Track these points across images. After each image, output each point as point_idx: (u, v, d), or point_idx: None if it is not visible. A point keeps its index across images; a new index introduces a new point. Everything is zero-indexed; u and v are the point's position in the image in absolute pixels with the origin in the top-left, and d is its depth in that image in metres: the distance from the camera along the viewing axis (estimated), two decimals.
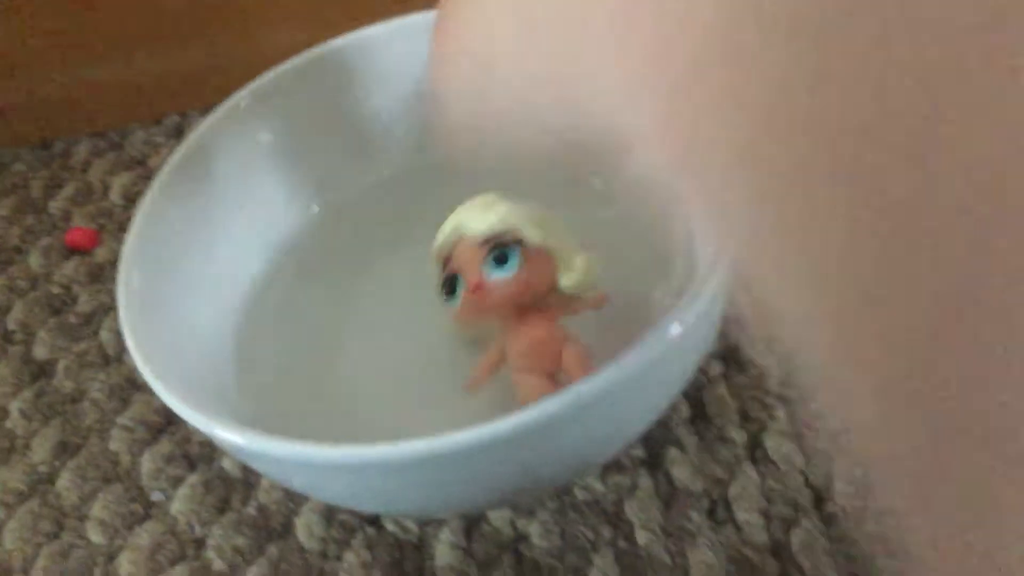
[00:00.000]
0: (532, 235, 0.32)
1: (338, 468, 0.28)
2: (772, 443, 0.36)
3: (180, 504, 0.39)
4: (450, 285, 0.33)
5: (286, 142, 0.42)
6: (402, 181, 0.43)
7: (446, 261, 0.34)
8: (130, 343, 0.32)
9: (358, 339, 0.39)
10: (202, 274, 0.38)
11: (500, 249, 0.32)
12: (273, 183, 0.42)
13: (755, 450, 0.36)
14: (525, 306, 0.33)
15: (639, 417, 0.31)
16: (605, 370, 0.27)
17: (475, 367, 0.35)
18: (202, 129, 0.39)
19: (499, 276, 0.32)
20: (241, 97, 0.40)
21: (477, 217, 0.33)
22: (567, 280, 0.33)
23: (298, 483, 0.32)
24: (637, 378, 0.27)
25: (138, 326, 0.32)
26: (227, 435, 0.29)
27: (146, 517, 0.40)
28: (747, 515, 0.34)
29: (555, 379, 0.33)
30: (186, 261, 0.37)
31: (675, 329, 0.28)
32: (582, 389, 0.27)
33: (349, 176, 0.43)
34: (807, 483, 0.35)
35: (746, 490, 0.35)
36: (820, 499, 0.34)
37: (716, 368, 0.39)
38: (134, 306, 0.33)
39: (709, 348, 0.35)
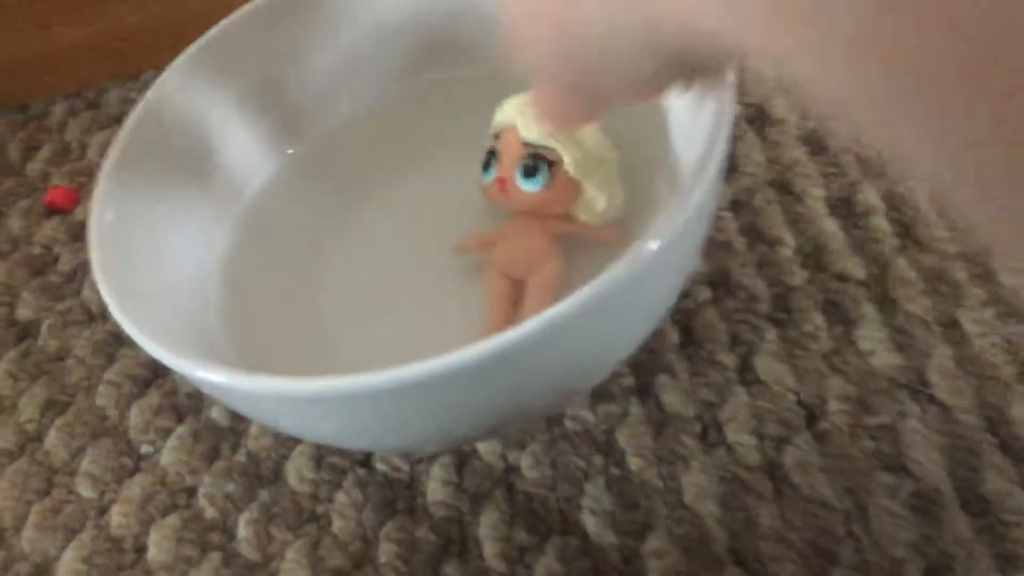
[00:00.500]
0: (569, 164, 0.34)
1: (321, 401, 0.28)
2: (762, 364, 0.36)
3: (169, 455, 0.39)
4: (488, 160, 0.35)
5: (254, 86, 0.41)
6: (377, 117, 0.43)
7: (496, 136, 0.35)
8: (104, 290, 0.31)
9: (341, 277, 0.39)
10: (179, 221, 0.38)
11: (534, 161, 0.34)
12: (245, 128, 0.41)
13: (745, 372, 0.36)
14: (535, 214, 0.35)
15: (622, 339, 0.31)
16: (580, 291, 0.26)
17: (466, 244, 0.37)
18: (165, 78, 0.38)
19: (522, 185, 0.34)
20: (203, 44, 0.39)
21: (533, 120, 0.34)
22: (584, 215, 0.35)
23: (285, 423, 0.31)
24: (616, 295, 0.27)
25: (112, 274, 0.32)
26: (212, 376, 0.28)
27: (136, 470, 0.39)
28: (739, 436, 0.34)
29: (520, 287, 0.35)
30: (161, 209, 0.37)
31: (651, 247, 0.27)
32: (559, 309, 0.26)
33: (322, 116, 0.42)
34: (799, 402, 0.34)
35: (737, 412, 0.35)
36: (812, 417, 0.34)
37: (705, 293, 0.38)
38: (108, 253, 0.32)
39: (690, 269, 0.34)
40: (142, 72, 0.58)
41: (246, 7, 0.40)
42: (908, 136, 0.15)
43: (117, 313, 0.31)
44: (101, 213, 0.33)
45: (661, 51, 0.22)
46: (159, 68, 0.58)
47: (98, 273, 0.31)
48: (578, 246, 0.35)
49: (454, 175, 0.39)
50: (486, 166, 0.35)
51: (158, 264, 0.36)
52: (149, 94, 0.37)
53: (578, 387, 0.33)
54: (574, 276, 0.35)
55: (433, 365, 0.26)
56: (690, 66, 0.25)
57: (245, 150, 0.41)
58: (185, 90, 0.39)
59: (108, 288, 0.31)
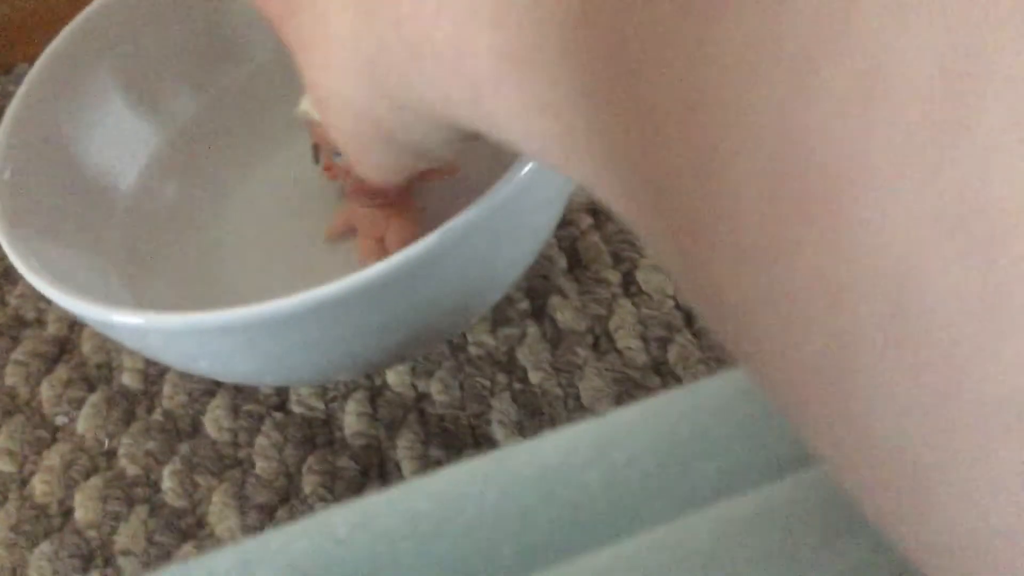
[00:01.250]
0: None
1: (238, 330, 0.29)
2: (644, 277, 0.39)
3: (85, 423, 0.40)
4: (315, 152, 0.37)
5: (161, 36, 0.42)
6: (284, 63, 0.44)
7: (310, 126, 0.36)
8: (13, 253, 0.32)
9: (244, 224, 0.40)
10: (80, 171, 0.38)
11: None
12: (152, 79, 0.42)
13: (629, 286, 0.39)
14: None
15: (509, 258, 0.33)
16: (468, 209, 0.29)
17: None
18: (67, 33, 0.39)
19: (338, 159, 0.35)
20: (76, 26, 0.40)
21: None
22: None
23: (203, 363, 0.33)
24: (501, 210, 0.29)
25: (19, 237, 0.33)
26: (132, 320, 0.30)
27: (53, 440, 0.40)
28: (627, 342, 0.37)
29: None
30: (61, 158, 0.37)
31: (521, 175, 0.29)
32: (450, 227, 0.28)
33: (227, 67, 0.43)
34: (677, 306, 0.38)
35: (624, 321, 0.38)
36: (690, 318, 0.37)
37: (587, 220, 0.41)
38: (10, 214, 0.33)
39: (568, 190, 0.37)
40: (14, 66, 0.58)
41: None
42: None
43: (29, 275, 0.31)
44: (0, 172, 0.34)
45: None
46: (31, 61, 0.58)
47: (4, 237, 0.32)
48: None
49: None
50: (316, 158, 0.38)
51: (61, 222, 0.36)
52: (51, 49, 0.38)
53: (474, 307, 0.35)
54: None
55: (340, 285, 0.28)
56: None
57: (150, 100, 0.42)
58: (89, 44, 0.39)
59: (16, 250, 0.32)
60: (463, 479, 0.17)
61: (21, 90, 0.37)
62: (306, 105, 0.35)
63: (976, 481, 0.09)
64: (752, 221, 0.11)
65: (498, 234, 0.31)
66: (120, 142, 0.41)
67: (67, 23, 0.41)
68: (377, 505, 0.16)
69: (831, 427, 0.11)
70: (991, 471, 0.09)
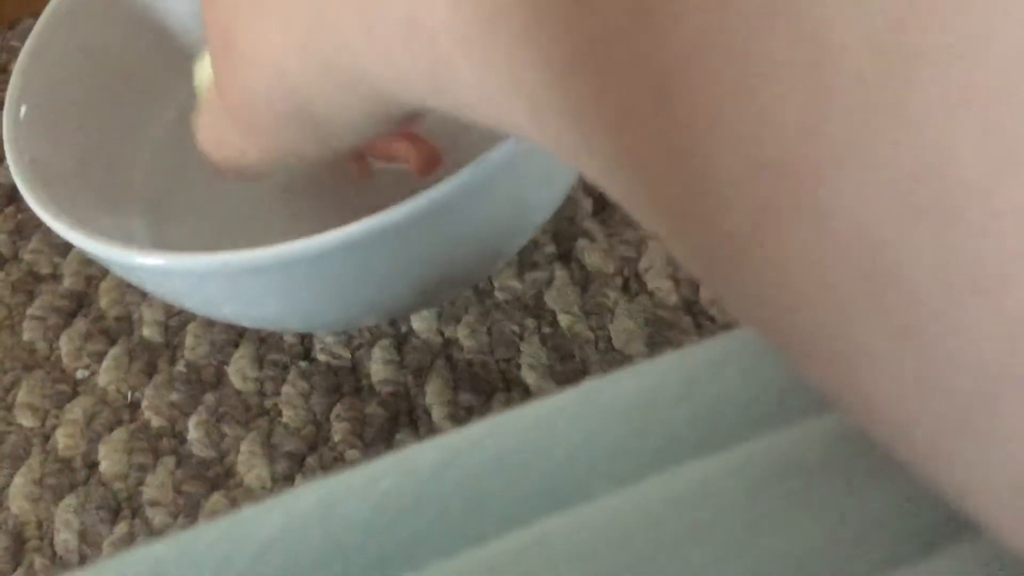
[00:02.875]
0: None
1: (258, 271, 0.29)
2: None
3: (107, 376, 0.39)
4: None
5: None
6: None
7: None
8: (32, 199, 0.31)
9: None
10: (104, 117, 0.37)
11: None
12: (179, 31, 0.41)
13: None
14: None
15: (534, 202, 0.33)
16: (495, 148, 0.28)
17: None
18: None
19: None
20: None
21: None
22: None
23: (229, 308, 0.32)
24: (529, 151, 0.29)
25: (33, 170, 0.32)
26: (156, 261, 0.29)
27: (75, 394, 0.39)
28: (658, 283, 0.37)
29: None
30: (78, 106, 0.37)
31: None
32: (479, 165, 0.28)
33: None
34: None
35: (654, 262, 0.37)
36: None
37: None
38: (24, 145, 0.32)
39: None
40: (18, 22, 0.57)
41: None
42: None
43: (50, 220, 0.31)
44: (15, 109, 0.33)
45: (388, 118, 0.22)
46: (35, 15, 0.57)
47: (22, 183, 0.32)
48: None
49: None
50: None
51: (82, 166, 0.36)
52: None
53: (501, 250, 0.35)
54: None
55: (366, 224, 0.28)
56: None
57: (173, 58, 0.41)
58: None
59: (34, 195, 0.31)
60: (549, 416, 0.16)
61: (37, 27, 0.36)
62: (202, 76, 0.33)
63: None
64: (733, 205, 0.11)
65: (527, 174, 0.31)
66: (148, 91, 0.40)
67: None
68: (462, 442, 0.16)
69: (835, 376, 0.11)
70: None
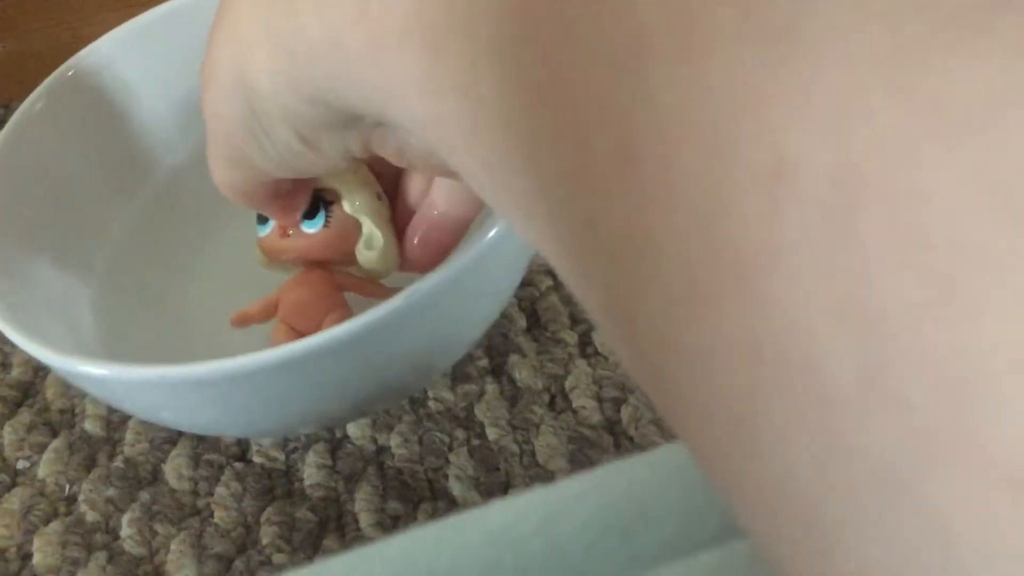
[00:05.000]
0: (347, 201, 0.32)
1: (205, 384, 0.30)
2: (600, 338, 0.40)
3: (46, 468, 0.40)
4: (263, 215, 0.33)
5: (144, 89, 0.43)
6: None
7: None
8: None
9: (216, 280, 0.41)
10: (59, 227, 0.39)
11: (313, 200, 0.32)
12: (128, 137, 0.43)
13: (586, 347, 0.40)
14: (317, 264, 0.34)
15: (469, 320, 0.35)
16: (430, 276, 0.30)
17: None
18: (32, 99, 0.40)
19: (304, 229, 0.33)
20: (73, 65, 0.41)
21: None
22: (363, 256, 0.33)
23: (167, 414, 0.34)
24: (464, 276, 0.31)
25: None
26: (96, 371, 0.31)
27: (13, 484, 0.40)
28: (582, 401, 0.38)
29: None
30: (38, 218, 0.38)
31: (488, 235, 0.31)
32: (413, 292, 0.30)
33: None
34: None
35: (580, 381, 0.39)
36: None
37: (547, 281, 0.43)
38: None
39: (528, 257, 0.38)
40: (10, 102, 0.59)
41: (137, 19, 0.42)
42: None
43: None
44: None
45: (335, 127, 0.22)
46: (7, 105, 0.59)
47: None
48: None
49: None
50: (262, 219, 0.33)
51: (33, 271, 0.37)
52: (15, 117, 0.39)
53: (435, 365, 0.36)
54: None
55: (308, 343, 0.29)
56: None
57: (126, 157, 0.43)
58: (49, 117, 0.40)
59: None
60: (415, 545, 0.18)
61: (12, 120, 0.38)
62: None
63: (874, 536, 0.10)
64: (677, 276, 0.11)
65: (462, 297, 0.33)
66: (103, 200, 0.42)
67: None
68: (333, 570, 0.17)
69: (735, 477, 0.12)
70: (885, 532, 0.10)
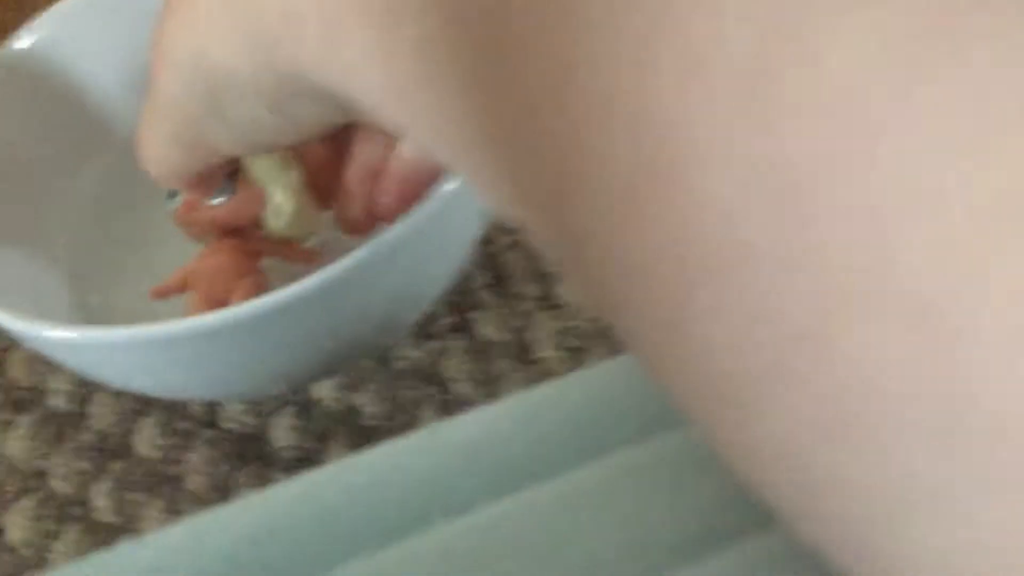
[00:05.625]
0: (251, 170, 0.33)
1: (162, 345, 0.31)
2: (562, 290, 0.41)
3: (15, 444, 0.40)
4: (172, 190, 0.34)
5: (93, 62, 0.43)
6: None
7: None
8: None
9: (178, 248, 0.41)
10: (16, 203, 0.39)
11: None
12: (79, 110, 0.43)
13: (547, 300, 0.41)
14: (229, 232, 0.34)
15: (430, 274, 0.35)
16: (394, 226, 0.31)
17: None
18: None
19: (209, 202, 0.33)
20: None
21: None
22: (271, 223, 0.34)
23: (141, 380, 0.34)
24: (422, 229, 0.31)
25: None
26: (63, 334, 0.31)
27: None
28: (546, 352, 0.39)
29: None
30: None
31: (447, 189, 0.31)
32: (373, 245, 0.30)
33: None
34: (593, 318, 0.40)
35: (543, 333, 0.40)
36: (605, 330, 0.40)
37: (505, 238, 0.43)
38: None
39: (485, 214, 0.38)
40: None
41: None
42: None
43: None
44: None
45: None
46: None
47: None
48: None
49: None
50: (172, 193, 0.34)
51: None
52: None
53: (398, 322, 0.37)
54: None
55: (272, 299, 0.30)
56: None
57: (94, 121, 0.43)
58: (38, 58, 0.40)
59: None
60: (395, 452, 0.18)
61: None
62: None
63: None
64: (616, 182, 0.12)
65: (422, 251, 0.33)
66: (69, 160, 0.42)
67: None
68: (317, 481, 0.18)
69: (669, 364, 0.13)
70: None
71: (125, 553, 0.17)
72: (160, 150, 0.27)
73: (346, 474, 0.18)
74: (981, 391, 0.10)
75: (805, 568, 0.14)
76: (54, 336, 0.31)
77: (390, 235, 0.31)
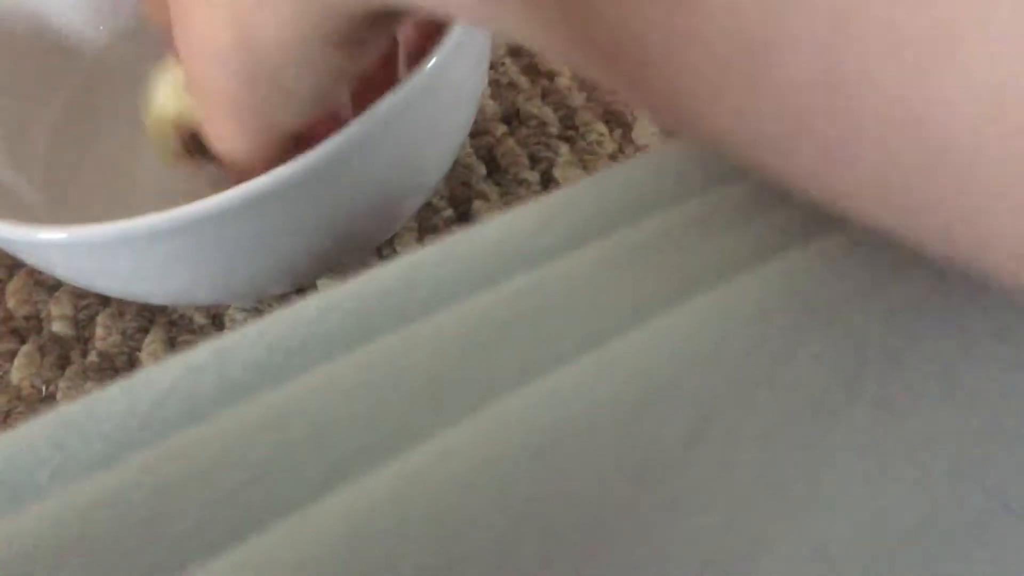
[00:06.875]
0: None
1: (169, 234, 0.30)
2: (561, 173, 0.40)
3: (20, 372, 0.40)
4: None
5: None
6: None
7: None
8: None
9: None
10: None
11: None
12: (43, 24, 0.42)
13: (548, 183, 0.40)
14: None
15: (427, 154, 0.34)
16: (382, 101, 0.30)
17: None
18: None
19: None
20: None
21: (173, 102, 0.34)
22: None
23: (136, 285, 0.33)
24: (413, 103, 0.30)
25: None
26: (54, 235, 0.30)
27: None
28: None
29: None
30: None
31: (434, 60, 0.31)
32: (364, 120, 0.29)
33: None
34: None
35: None
36: None
37: (501, 128, 0.42)
38: None
39: (477, 90, 0.37)
40: None
41: None
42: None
43: None
44: None
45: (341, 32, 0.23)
46: None
47: None
48: None
49: None
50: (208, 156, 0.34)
51: None
52: None
53: (396, 209, 0.36)
54: None
55: (261, 182, 0.29)
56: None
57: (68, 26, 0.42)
58: None
59: None
60: (425, 257, 0.18)
61: None
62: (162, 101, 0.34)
63: None
64: None
65: (415, 126, 0.32)
66: (40, 78, 0.40)
67: None
68: (342, 292, 0.17)
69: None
70: None
71: (155, 371, 0.17)
72: (234, 141, 0.27)
73: (371, 283, 0.17)
74: None
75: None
76: (46, 238, 0.30)
77: (381, 108, 0.30)
